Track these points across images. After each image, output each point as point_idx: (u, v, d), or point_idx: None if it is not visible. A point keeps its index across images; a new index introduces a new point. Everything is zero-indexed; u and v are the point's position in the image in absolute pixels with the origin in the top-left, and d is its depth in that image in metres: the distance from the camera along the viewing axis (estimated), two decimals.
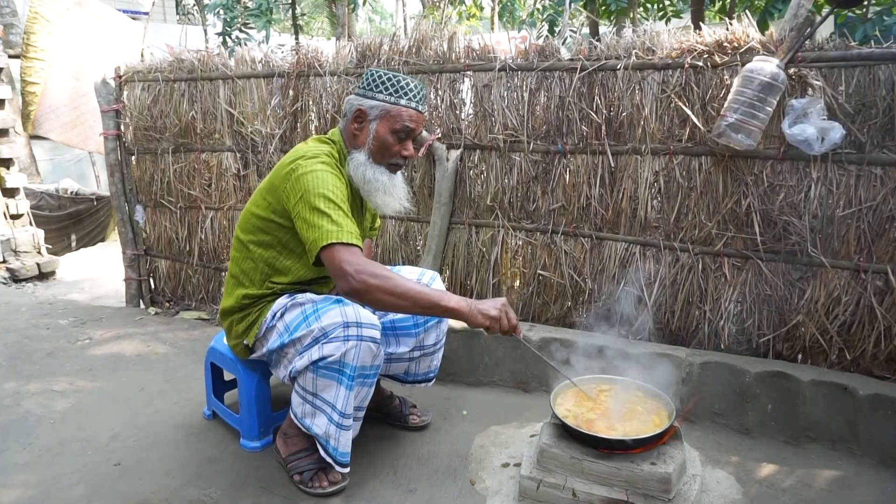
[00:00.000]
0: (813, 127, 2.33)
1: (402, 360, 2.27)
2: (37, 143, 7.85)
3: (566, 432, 2.01)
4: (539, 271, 2.99)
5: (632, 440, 1.89)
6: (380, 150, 2.02)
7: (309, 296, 2.04)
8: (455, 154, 3.10)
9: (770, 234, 2.52)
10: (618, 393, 2.15)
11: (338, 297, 2.03)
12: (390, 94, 1.98)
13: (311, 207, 1.84)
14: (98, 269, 5.64)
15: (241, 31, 8.50)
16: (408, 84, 2.00)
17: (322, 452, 2.01)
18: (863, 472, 2.19)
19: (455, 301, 1.81)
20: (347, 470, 2.04)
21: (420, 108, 2.02)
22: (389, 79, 1.99)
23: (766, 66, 2.32)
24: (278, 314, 2.03)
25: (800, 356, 2.55)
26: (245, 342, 2.15)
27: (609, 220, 2.85)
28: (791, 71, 2.38)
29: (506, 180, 3.02)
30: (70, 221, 7.38)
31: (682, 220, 2.69)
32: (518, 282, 3.10)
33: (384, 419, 2.49)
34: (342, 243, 1.78)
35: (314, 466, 2.09)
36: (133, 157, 4.02)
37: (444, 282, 3.20)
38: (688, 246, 2.68)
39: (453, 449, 2.34)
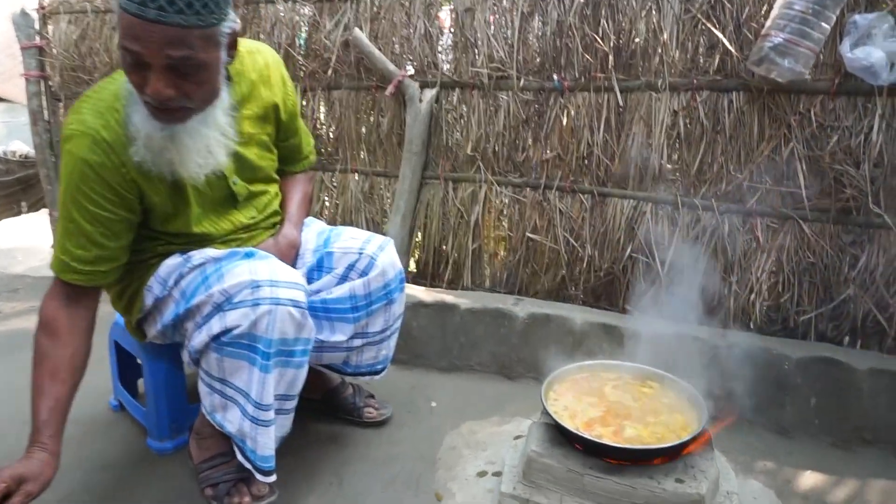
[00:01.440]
0: (881, 50, 1.83)
1: (339, 349, 1.74)
2: None
3: (562, 436, 1.52)
4: (528, 234, 2.49)
5: (651, 449, 1.40)
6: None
7: (209, 252, 1.53)
8: (430, 94, 2.57)
9: (817, 188, 2.03)
10: (629, 384, 1.67)
11: (249, 249, 1.52)
12: None
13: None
14: (40, 237, 5.07)
15: None
16: None
17: (239, 456, 1.52)
18: None
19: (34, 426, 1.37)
20: (272, 479, 1.54)
21: (145, 12, 1.18)
22: None
23: None
24: (172, 280, 1.51)
25: (847, 338, 2.07)
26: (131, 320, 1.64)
27: (615, 173, 2.34)
28: None
29: (490, 125, 2.51)
30: (19, 187, 6.77)
31: (706, 171, 2.19)
32: (503, 248, 2.59)
33: (333, 413, 2.00)
34: (55, 273, 1.45)
35: (233, 477, 1.60)
36: (60, 104, 3.46)
37: (415, 251, 2.70)
38: (711, 203, 2.19)
39: (417, 451, 1.85)
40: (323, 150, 2.88)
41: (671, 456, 1.44)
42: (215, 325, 1.39)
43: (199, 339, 1.42)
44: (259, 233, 1.70)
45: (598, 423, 1.50)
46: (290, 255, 1.73)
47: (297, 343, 1.45)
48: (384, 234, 2.67)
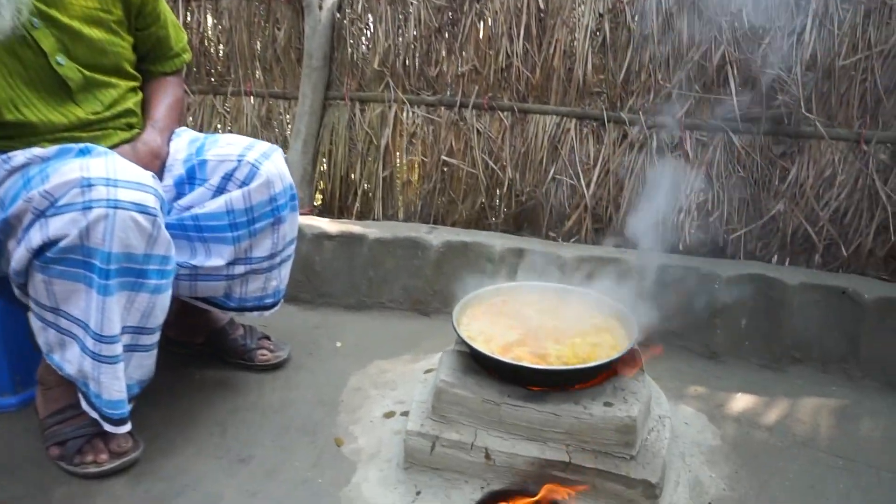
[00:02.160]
0: None
1: (217, 276, 1.46)
2: None
3: (476, 363, 1.32)
4: (444, 158, 2.25)
5: (577, 369, 1.22)
6: None
7: (34, 151, 1.22)
8: (331, 0, 2.26)
9: (748, 96, 1.89)
10: (552, 305, 1.49)
11: (87, 146, 1.22)
12: None
13: None
14: None
15: None
16: None
17: (84, 405, 1.26)
18: (864, 398, 1.66)
19: None
20: (125, 428, 1.29)
21: None
22: None
23: None
24: None
25: (775, 257, 1.98)
26: None
27: (536, 86, 2.13)
28: None
29: (399, 36, 2.23)
30: None
31: (633, 81, 2.02)
32: (416, 174, 2.35)
33: (221, 357, 1.74)
34: None
35: (86, 432, 1.34)
36: None
37: (320, 182, 2.42)
38: (639, 117, 2.02)
39: (317, 395, 1.62)
40: (212, 71, 2.53)
41: (600, 377, 1.27)
42: (35, 237, 1.09)
43: (18, 256, 1.12)
44: (109, 134, 1.39)
45: (517, 347, 1.31)
46: (153, 166, 1.42)
47: (149, 260, 1.17)
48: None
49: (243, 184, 1.41)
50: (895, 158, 1.81)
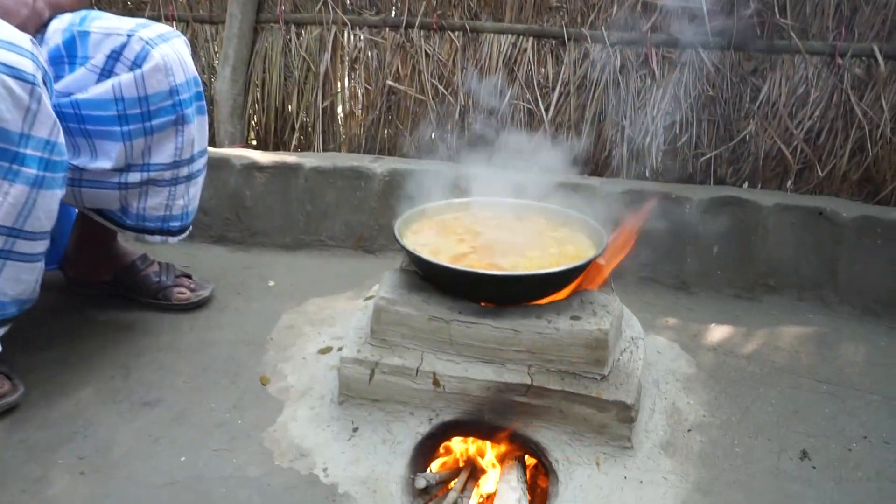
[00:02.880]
0: None
1: (106, 183, 1.22)
2: None
3: (422, 279, 1.14)
4: (390, 84, 2.04)
5: (540, 274, 1.05)
6: None
7: None
8: None
9: (717, 5, 1.73)
10: (508, 221, 1.31)
11: None
12: None
13: None
14: None
15: None
16: None
17: None
18: (843, 325, 1.55)
19: None
20: None
21: None
22: None
23: None
24: None
25: (746, 184, 1.85)
26: None
27: (489, 1, 1.94)
28: None
29: None
30: None
31: None
32: (360, 103, 2.13)
33: (132, 296, 1.51)
34: None
35: None
36: None
37: (253, 116, 2.17)
38: (601, 33, 1.85)
39: (243, 335, 1.41)
40: None
41: (565, 289, 1.10)
42: None
43: None
44: None
45: (468, 258, 1.13)
46: (19, 16, 1.15)
47: (27, 142, 0.95)
48: (212, 93, 2.13)
49: (134, 65, 1.17)
50: (871, 73, 1.69)
